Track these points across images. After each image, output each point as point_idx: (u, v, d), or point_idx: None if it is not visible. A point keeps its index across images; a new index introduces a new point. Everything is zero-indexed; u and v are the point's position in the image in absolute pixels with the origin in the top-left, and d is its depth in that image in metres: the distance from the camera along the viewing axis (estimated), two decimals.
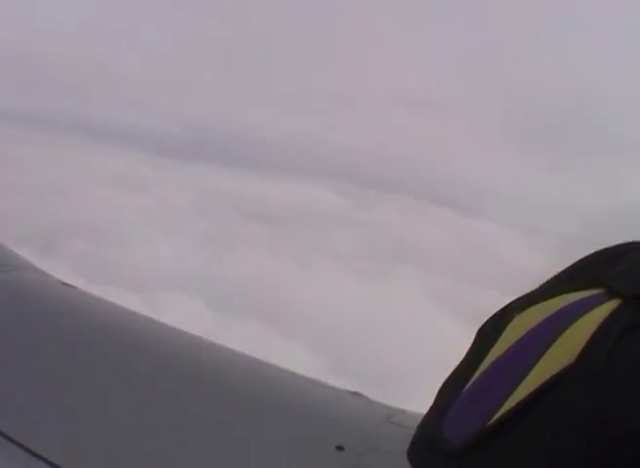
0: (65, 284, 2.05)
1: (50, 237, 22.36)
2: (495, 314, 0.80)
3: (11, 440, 1.42)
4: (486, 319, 0.81)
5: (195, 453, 1.43)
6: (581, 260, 0.78)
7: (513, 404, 0.70)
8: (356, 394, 1.72)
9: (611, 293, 0.71)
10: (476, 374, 0.75)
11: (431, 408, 0.80)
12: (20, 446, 1.41)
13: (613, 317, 0.69)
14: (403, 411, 1.62)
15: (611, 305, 0.70)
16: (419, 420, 0.80)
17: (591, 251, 0.79)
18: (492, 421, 0.70)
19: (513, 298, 0.80)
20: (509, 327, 0.76)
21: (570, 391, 0.67)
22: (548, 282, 0.78)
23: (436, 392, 0.81)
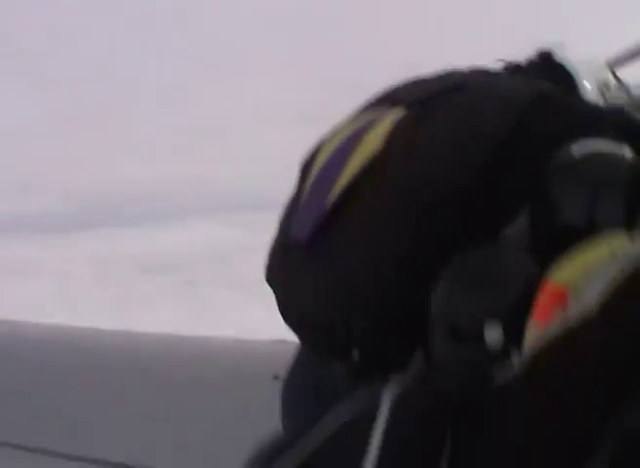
0: None
1: None
2: (308, 152, 0.96)
3: None
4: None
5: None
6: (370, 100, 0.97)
7: (343, 183, 0.83)
8: None
9: (393, 106, 0.88)
10: (304, 193, 0.90)
11: (278, 233, 0.93)
12: None
13: (402, 114, 0.86)
14: None
15: (397, 111, 0.87)
16: None
17: None
18: (329, 204, 0.82)
19: None
20: (320, 152, 0.92)
21: (389, 167, 0.81)
22: (349, 116, 0.95)
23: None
